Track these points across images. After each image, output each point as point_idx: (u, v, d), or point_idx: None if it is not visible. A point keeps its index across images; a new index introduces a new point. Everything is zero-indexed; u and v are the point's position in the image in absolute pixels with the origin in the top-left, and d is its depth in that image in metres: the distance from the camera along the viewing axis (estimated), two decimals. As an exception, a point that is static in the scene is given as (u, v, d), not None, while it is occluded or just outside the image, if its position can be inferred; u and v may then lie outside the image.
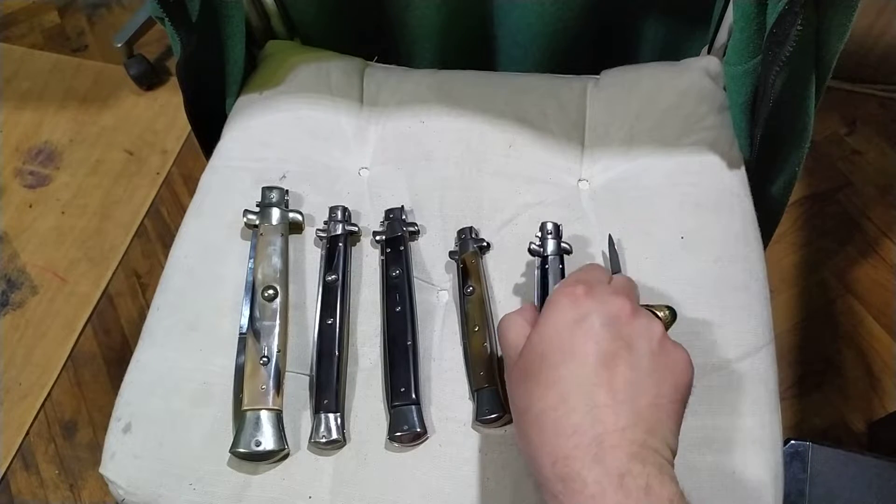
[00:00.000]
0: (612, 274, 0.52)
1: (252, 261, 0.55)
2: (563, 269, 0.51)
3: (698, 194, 0.56)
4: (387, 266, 0.55)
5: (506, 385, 0.40)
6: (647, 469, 0.31)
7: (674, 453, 0.34)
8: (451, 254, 0.57)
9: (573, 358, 0.35)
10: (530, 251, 0.53)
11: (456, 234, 0.57)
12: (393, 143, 0.63)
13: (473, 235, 0.56)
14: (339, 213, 0.57)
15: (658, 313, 0.40)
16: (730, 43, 0.57)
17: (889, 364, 0.96)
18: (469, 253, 0.55)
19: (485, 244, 0.56)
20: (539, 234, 0.53)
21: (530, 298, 0.54)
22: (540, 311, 0.42)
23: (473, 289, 0.52)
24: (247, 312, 0.52)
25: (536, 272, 0.53)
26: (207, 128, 0.68)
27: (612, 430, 0.33)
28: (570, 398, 0.34)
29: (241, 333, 0.52)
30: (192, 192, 0.62)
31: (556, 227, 0.53)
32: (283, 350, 0.51)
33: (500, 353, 0.51)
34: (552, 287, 0.50)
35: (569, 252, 0.53)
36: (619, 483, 0.31)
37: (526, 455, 0.36)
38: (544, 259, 0.52)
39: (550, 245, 0.52)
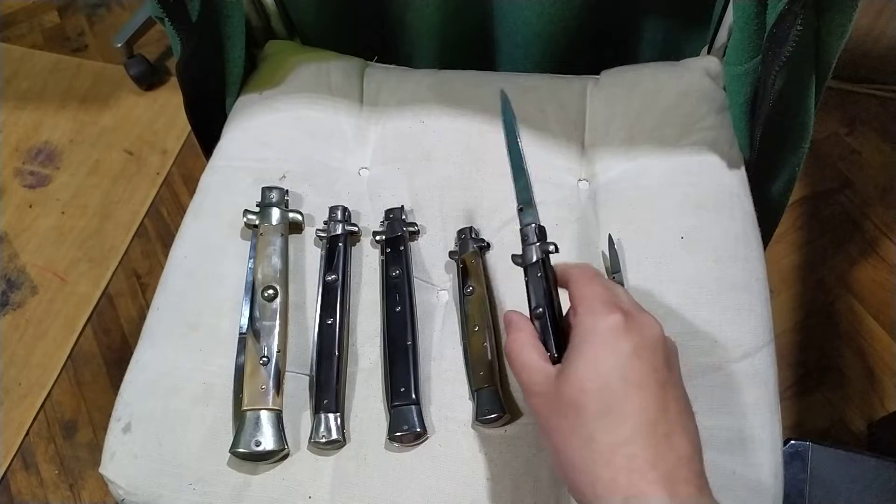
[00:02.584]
0: (613, 273, 0.53)
1: (252, 261, 0.55)
2: (545, 276, 0.42)
3: (698, 194, 0.56)
4: (387, 266, 0.55)
5: (536, 409, 0.37)
6: (710, 500, 0.32)
7: None
8: (451, 254, 0.57)
9: (639, 389, 0.33)
10: (514, 261, 0.44)
11: (456, 234, 0.57)
12: (393, 143, 0.63)
13: (473, 235, 0.56)
14: (339, 213, 0.57)
15: None
16: (730, 43, 0.57)
17: (889, 364, 0.96)
18: (469, 253, 0.55)
19: (485, 244, 0.56)
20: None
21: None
22: (531, 321, 0.41)
23: (473, 289, 0.52)
24: (247, 312, 0.52)
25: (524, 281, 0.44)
26: (207, 128, 0.68)
27: (680, 462, 0.32)
28: (642, 431, 0.32)
29: (241, 333, 0.52)
30: (192, 192, 0.62)
31: (536, 227, 0.43)
32: (283, 350, 0.51)
33: (499, 354, 0.51)
34: (534, 296, 0.42)
35: (554, 251, 0.42)
36: None
37: (581, 490, 0.34)
38: (527, 269, 0.43)
39: (533, 253, 0.43)
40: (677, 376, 0.35)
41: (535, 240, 0.43)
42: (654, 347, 0.35)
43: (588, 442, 0.33)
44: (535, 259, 0.42)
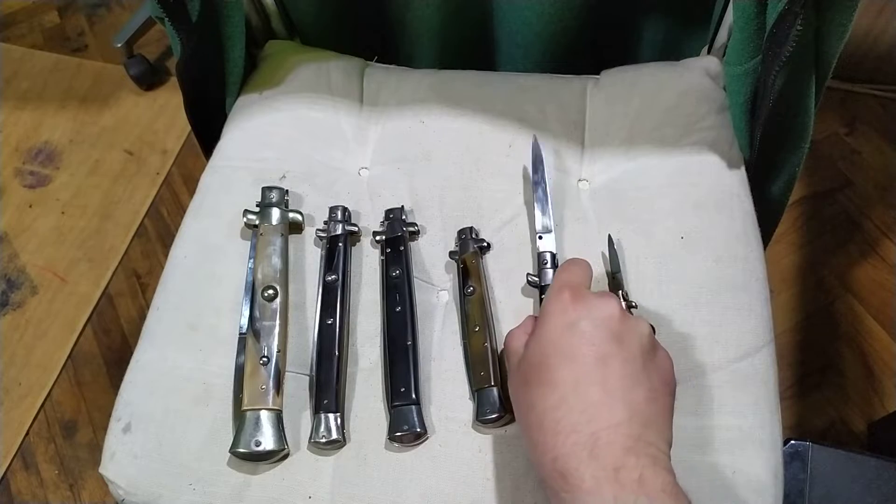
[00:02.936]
0: (613, 273, 0.53)
1: (252, 261, 0.55)
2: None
3: (698, 194, 0.56)
4: (387, 266, 0.55)
5: (507, 389, 0.43)
6: (640, 461, 0.33)
7: (669, 444, 0.36)
8: (452, 254, 0.57)
9: (570, 361, 0.37)
10: (529, 283, 0.53)
11: (456, 235, 0.57)
12: (393, 143, 0.63)
13: (474, 235, 0.56)
14: (339, 213, 0.57)
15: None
16: (730, 43, 0.57)
17: (889, 364, 0.96)
18: (469, 253, 0.55)
19: (485, 244, 0.56)
20: (536, 266, 0.54)
21: (531, 299, 0.54)
22: None
23: (474, 289, 0.52)
24: (247, 312, 0.52)
25: (536, 300, 0.53)
26: (207, 128, 0.68)
27: (606, 427, 0.34)
28: (568, 398, 0.36)
29: (241, 333, 0.52)
30: (192, 192, 0.62)
31: (553, 256, 0.53)
32: (283, 350, 0.51)
33: (500, 352, 0.51)
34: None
35: None
36: (614, 477, 0.33)
37: (529, 453, 0.38)
38: (542, 289, 0.52)
39: (548, 276, 0.52)
40: (631, 354, 0.37)
41: (551, 265, 0.52)
42: (598, 324, 0.38)
43: (530, 410, 0.38)
44: (549, 281, 0.51)
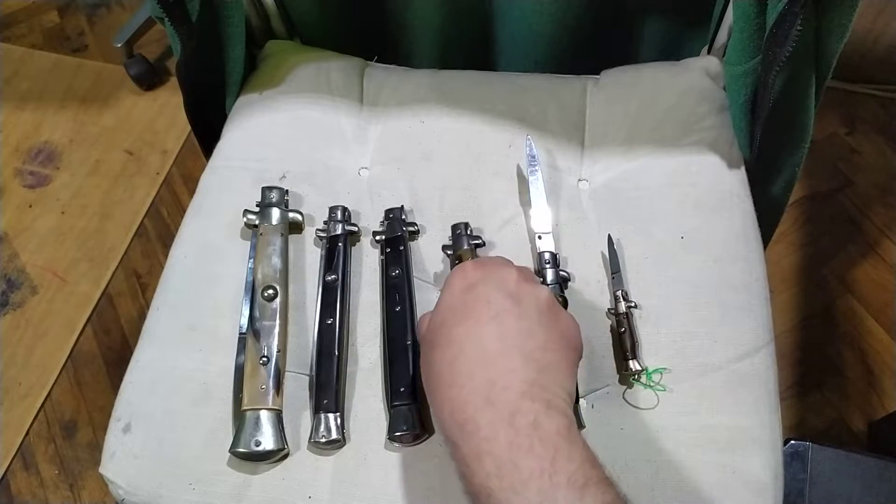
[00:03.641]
0: (613, 273, 0.53)
1: (252, 261, 0.55)
2: (564, 298, 0.51)
3: (698, 194, 0.56)
4: (387, 266, 0.55)
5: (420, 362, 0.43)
6: (535, 405, 0.34)
7: (570, 396, 0.37)
8: (445, 248, 0.56)
9: (466, 317, 0.38)
10: None
11: (451, 229, 0.57)
12: (393, 143, 0.63)
13: (469, 232, 0.56)
14: (339, 213, 0.57)
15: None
16: (730, 43, 0.57)
17: (889, 364, 0.96)
18: (464, 250, 0.54)
19: (480, 242, 0.56)
20: (536, 265, 0.54)
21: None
22: None
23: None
24: (247, 312, 0.52)
25: None
26: (207, 128, 0.68)
27: (503, 372, 0.35)
28: (465, 350, 0.37)
29: (241, 333, 0.52)
30: (192, 192, 0.62)
31: (554, 256, 0.53)
32: (283, 350, 0.51)
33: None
34: None
35: (568, 280, 0.53)
36: (510, 421, 0.33)
37: (433, 414, 0.39)
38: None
39: (549, 275, 0.52)
40: (526, 311, 0.38)
41: (552, 264, 0.53)
42: (495, 285, 0.39)
43: (430, 369, 0.38)
44: (549, 280, 0.52)
